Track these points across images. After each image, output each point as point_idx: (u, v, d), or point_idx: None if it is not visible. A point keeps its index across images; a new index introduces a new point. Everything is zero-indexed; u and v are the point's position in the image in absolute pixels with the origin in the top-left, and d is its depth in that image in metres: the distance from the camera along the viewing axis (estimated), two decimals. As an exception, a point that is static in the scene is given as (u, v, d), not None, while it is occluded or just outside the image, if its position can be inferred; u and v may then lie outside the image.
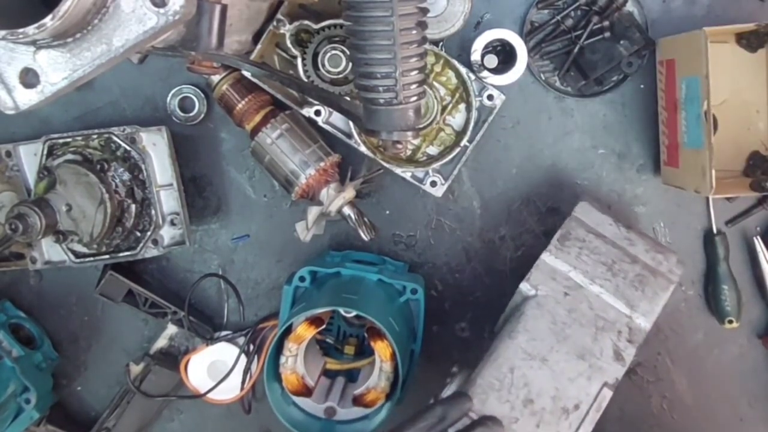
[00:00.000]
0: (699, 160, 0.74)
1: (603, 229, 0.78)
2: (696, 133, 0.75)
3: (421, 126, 0.79)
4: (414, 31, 0.61)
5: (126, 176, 0.81)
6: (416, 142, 0.83)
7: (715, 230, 0.87)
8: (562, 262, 0.74)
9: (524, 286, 0.72)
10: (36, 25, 0.46)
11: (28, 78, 0.50)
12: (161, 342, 0.92)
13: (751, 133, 0.83)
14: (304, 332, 0.76)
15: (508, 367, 0.68)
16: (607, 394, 0.68)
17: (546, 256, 0.75)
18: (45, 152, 0.80)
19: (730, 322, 0.87)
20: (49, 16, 0.46)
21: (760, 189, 0.77)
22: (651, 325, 0.73)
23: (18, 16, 0.47)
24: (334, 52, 0.75)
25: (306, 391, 0.78)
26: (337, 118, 0.80)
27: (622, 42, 0.82)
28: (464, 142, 0.80)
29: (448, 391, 0.70)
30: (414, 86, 0.62)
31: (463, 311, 0.91)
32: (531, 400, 0.66)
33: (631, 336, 0.72)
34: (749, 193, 0.78)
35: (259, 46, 0.77)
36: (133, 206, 0.81)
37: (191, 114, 0.87)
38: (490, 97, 0.79)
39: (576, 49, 0.83)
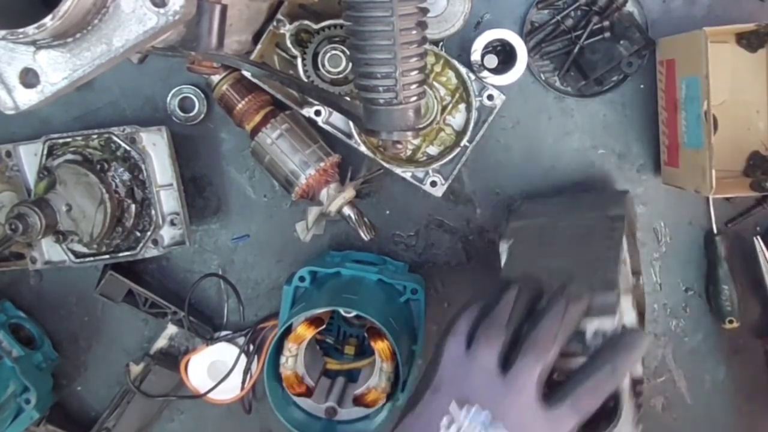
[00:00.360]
0: (699, 160, 0.74)
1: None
2: (696, 133, 0.75)
3: (421, 126, 0.79)
4: (414, 31, 0.61)
5: (126, 176, 0.81)
6: (416, 142, 0.83)
7: (715, 230, 0.87)
8: (522, 222, 0.76)
9: (503, 244, 0.72)
10: (36, 25, 0.46)
11: (28, 78, 0.50)
12: (161, 342, 0.92)
13: (751, 133, 0.83)
14: (304, 332, 0.76)
15: (531, 257, 0.67)
16: (620, 239, 0.67)
17: (512, 223, 0.76)
18: (45, 152, 0.80)
19: (731, 322, 0.87)
20: (49, 16, 0.46)
21: (760, 189, 0.77)
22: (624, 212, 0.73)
23: (18, 16, 0.47)
24: (334, 52, 0.75)
25: (306, 391, 0.78)
26: (337, 118, 0.80)
27: (622, 42, 0.82)
28: (464, 142, 0.80)
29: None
30: (414, 86, 0.62)
31: (463, 311, 0.91)
32: (564, 270, 0.63)
33: (616, 224, 0.71)
34: (749, 193, 0.78)
35: (259, 46, 0.77)
36: (133, 206, 0.81)
37: (191, 114, 0.87)
38: (490, 97, 0.79)
39: (576, 49, 0.83)
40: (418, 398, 0.54)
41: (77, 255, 0.83)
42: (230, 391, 0.90)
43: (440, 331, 0.89)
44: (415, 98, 0.63)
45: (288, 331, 0.76)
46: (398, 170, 0.81)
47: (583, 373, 0.52)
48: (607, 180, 0.88)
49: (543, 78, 0.86)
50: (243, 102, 0.80)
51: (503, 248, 0.72)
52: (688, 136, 0.77)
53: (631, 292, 0.60)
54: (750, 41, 0.80)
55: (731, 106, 0.81)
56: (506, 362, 0.53)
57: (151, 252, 0.82)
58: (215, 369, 0.90)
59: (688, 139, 0.77)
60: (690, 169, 0.77)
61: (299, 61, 0.76)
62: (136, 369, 0.90)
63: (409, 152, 0.83)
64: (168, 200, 0.82)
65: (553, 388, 0.53)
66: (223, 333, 0.91)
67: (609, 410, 0.57)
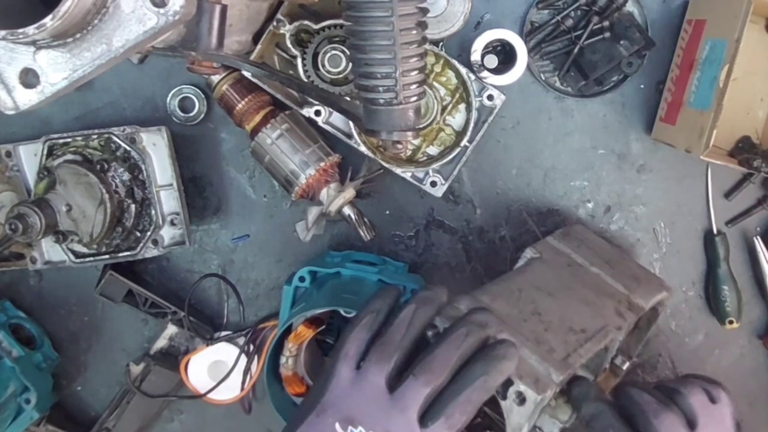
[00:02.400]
0: (700, 121, 0.74)
1: (600, 242, 0.83)
2: (706, 95, 0.75)
3: (421, 126, 0.79)
4: (414, 31, 0.61)
5: (126, 176, 0.81)
6: (416, 142, 0.83)
7: (715, 230, 0.87)
8: (564, 246, 0.76)
9: (529, 251, 0.73)
10: (36, 25, 0.46)
11: (28, 78, 0.50)
12: (161, 342, 0.92)
13: (749, 118, 0.83)
14: (304, 332, 0.76)
15: (516, 287, 0.66)
16: (612, 333, 0.66)
17: (550, 239, 0.76)
18: (45, 152, 0.80)
19: (731, 322, 0.87)
20: (49, 17, 0.46)
21: (748, 165, 0.76)
22: (648, 308, 0.73)
23: (18, 16, 0.47)
24: (334, 52, 0.75)
25: (306, 391, 0.78)
26: (337, 118, 0.80)
27: (622, 42, 0.82)
28: (464, 142, 0.80)
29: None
30: (414, 86, 0.62)
31: (463, 311, 0.91)
32: (539, 313, 0.64)
33: (631, 307, 0.72)
34: (736, 165, 0.77)
35: (259, 46, 0.77)
36: (133, 206, 0.81)
37: (191, 114, 0.87)
38: (490, 97, 0.79)
39: (576, 49, 0.83)
40: (300, 421, 0.54)
41: (77, 255, 0.83)
42: (230, 391, 0.90)
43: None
44: (415, 98, 0.63)
45: (288, 331, 0.76)
46: (398, 170, 0.81)
47: (455, 388, 0.53)
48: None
49: (543, 78, 0.86)
50: (243, 102, 0.80)
51: (527, 254, 0.72)
52: (696, 96, 0.77)
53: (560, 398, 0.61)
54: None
55: (739, 86, 0.81)
56: (395, 382, 0.54)
57: (151, 252, 0.82)
58: (215, 369, 0.90)
59: (694, 99, 0.77)
60: (688, 128, 0.77)
61: (299, 61, 0.76)
62: (136, 369, 0.90)
63: (409, 152, 0.83)
64: (168, 200, 0.82)
65: (429, 406, 0.53)
66: (223, 333, 0.91)
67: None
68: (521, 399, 0.56)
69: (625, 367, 0.78)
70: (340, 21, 0.75)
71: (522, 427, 0.56)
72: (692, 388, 0.61)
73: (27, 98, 0.51)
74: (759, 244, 0.87)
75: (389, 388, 0.53)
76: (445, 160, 0.80)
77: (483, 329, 0.55)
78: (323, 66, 0.76)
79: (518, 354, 0.55)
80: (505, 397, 0.56)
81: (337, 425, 0.52)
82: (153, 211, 0.82)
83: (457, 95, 0.81)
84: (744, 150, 0.79)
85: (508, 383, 0.56)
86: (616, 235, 0.89)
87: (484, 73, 0.81)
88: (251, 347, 0.90)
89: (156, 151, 0.81)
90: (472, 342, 0.54)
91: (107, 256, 0.83)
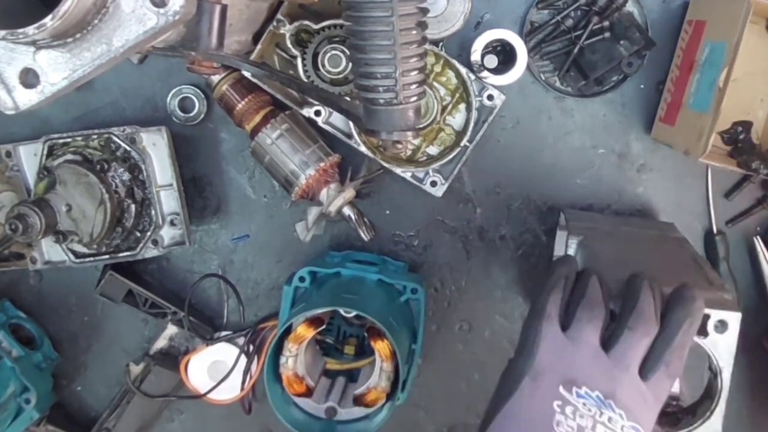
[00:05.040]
0: (699, 123, 0.74)
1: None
2: (705, 97, 0.75)
3: (421, 126, 0.79)
4: (414, 31, 0.61)
5: (126, 176, 0.81)
6: (416, 142, 0.82)
7: (715, 230, 0.87)
8: (584, 223, 0.77)
9: (573, 238, 0.73)
10: (36, 25, 0.46)
11: (28, 78, 0.50)
12: (161, 342, 0.92)
13: (749, 119, 0.83)
14: (304, 332, 0.76)
15: (613, 262, 0.67)
16: (695, 251, 0.70)
17: (572, 223, 0.77)
18: (45, 152, 0.80)
19: (731, 322, 0.87)
20: (49, 17, 0.46)
21: (746, 167, 0.76)
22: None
23: (18, 16, 0.47)
24: (334, 52, 0.75)
25: (306, 392, 0.78)
26: (337, 118, 0.80)
27: (622, 42, 0.82)
28: (464, 142, 0.80)
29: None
30: (414, 86, 0.62)
31: (462, 311, 0.91)
32: (652, 266, 0.65)
33: (683, 243, 0.74)
34: (734, 166, 0.78)
35: (259, 46, 0.77)
36: (133, 206, 0.81)
37: (191, 114, 0.87)
38: (490, 97, 0.79)
39: (576, 49, 0.83)
40: (514, 387, 0.53)
41: (77, 255, 0.83)
42: (230, 391, 0.90)
43: (440, 330, 0.90)
44: (415, 98, 0.63)
45: (288, 331, 0.76)
46: (398, 170, 0.81)
47: (667, 336, 0.53)
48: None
49: (543, 78, 0.86)
50: (243, 102, 0.80)
51: (572, 242, 0.73)
52: (695, 98, 0.77)
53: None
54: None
55: (739, 87, 0.81)
56: (606, 341, 0.54)
57: (151, 252, 0.82)
58: (215, 369, 0.90)
59: (694, 101, 0.77)
60: (687, 129, 0.77)
61: (299, 61, 0.76)
62: (136, 369, 0.90)
63: (409, 152, 0.83)
64: (168, 200, 0.82)
65: (645, 360, 0.54)
66: (223, 333, 0.91)
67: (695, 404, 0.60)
68: (723, 326, 0.57)
69: None
70: (340, 21, 0.75)
71: (733, 353, 0.58)
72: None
73: (27, 98, 0.51)
74: (759, 244, 0.87)
75: (604, 347, 0.53)
76: (445, 160, 0.80)
77: (656, 279, 0.56)
78: (323, 66, 0.76)
79: (698, 293, 0.55)
80: (706, 334, 0.57)
81: (561, 387, 0.51)
82: (153, 211, 0.82)
83: (457, 95, 0.81)
84: (743, 150, 0.79)
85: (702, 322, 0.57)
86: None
87: (484, 73, 0.81)
88: (251, 347, 0.90)
89: (156, 151, 0.81)
90: (660, 290, 0.55)
91: (107, 256, 0.83)
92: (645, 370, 0.53)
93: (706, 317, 0.58)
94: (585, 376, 0.52)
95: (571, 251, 0.73)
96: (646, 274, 0.57)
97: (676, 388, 0.61)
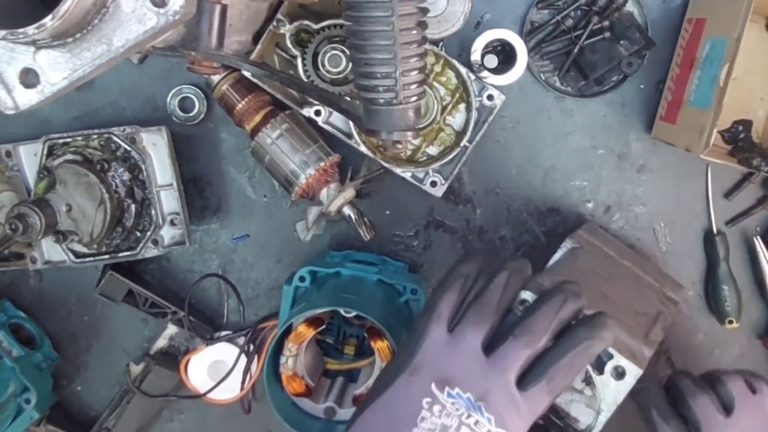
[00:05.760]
0: (700, 120, 0.75)
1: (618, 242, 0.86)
2: (706, 94, 0.75)
3: (421, 126, 0.79)
4: (414, 31, 0.61)
5: (126, 176, 0.81)
6: (416, 142, 0.83)
7: (715, 230, 0.87)
8: (595, 239, 0.77)
9: (569, 241, 0.73)
10: (36, 25, 0.46)
11: (28, 78, 0.50)
12: (161, 342, 0.92)
13: (749, 118, 0.83)
14: (304, 332, 0.76)
15: (578, 272, 0.66)
16: (668, 319, 0.67)
17: (581, 232, 0.77)
18: (45, 152, 0.80)
19: (731, 322, 0.87)
20: (49, 16, 0.46)
21: (747, 164, 0.76)
22: (679, 301, 0.76)
23: (18, 16, 0.47)
24: (334, 52, 0.75)
25: (306, 392, 0.78)
26: (337, 118, 0.80)
27: (622, 42, 0.82)
28: (464, 142, 0.80)
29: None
30: (414, 86, 0.62)
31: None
32: (606, 296, 0.64)
33: (668, 299, 0.74)
34: (735, 164, 0.78)
35: (259, 46, 0.77)
36: (133, 206, 0.81)
37: (191, 114, 0.87)
38: (490, 97, 0.79)
39: (576, 49, 0.83)
40: (391, 380, 0.53)
41: (77, 255, 0.83)
42: (230, 391, 0.90)
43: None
44: (415, 98, 0.63)
45: (288, 331, 0.76)
46: (398, 170, 0.81)
47: (557, 352, 0.52)
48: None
49: (543, 78, 0.86)
50: (243, 102, 0.80)
51: (566, 244, 0.73)
52: (696, 95, 0.77)
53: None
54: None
55: (739, 86, 0.81)
56: (490, 345, 0.53)
57: (151, 252, 0.82)
58: (215, 369, 0.90)
59: (695, 98, 0.77)
60: (688, 127, 0.78)
61: (299, 61, 0.76)
62: (136, 369, 0.90)
63: (409, 152, 0.83)
64: (168, 200, 0.82)
65: (527, 369, 0.53)
66: (223, 333, 0.91)
67: None
68: (620, 373, 0.56)
69: None
70: (340, 21, 0.75)
71: (617, 403, 0.56)
72: (733, 376, 0.64)
73: (27, 98, 0.51)
74: (759, 244, 0.87)
75: (485, 351, 0.52)
76: (445, 160, 0.80)
77: (578, 298, 0.55)
78: (323, 66, 0.76)
79: (615, 326, 0.54)
80: (602, 372, 0.56)
81: (433, 385, 0.51)
82: (153, 211, 0.82)
83: (457, 95, 0.81)
84: (744, 149, 0.79)
85: (602, 358, 0.56)
86: (616, 234, 0.89)
87: (484, 73, 0.81)
88: (251, 347, 0.90)
89: (156, 151, 0.81)
90: (571, 308, 0.54)
91: (107, 256, 0.83)
92: (525, 380, 0.52)
93: (608, 356, 0.56)
94: (460, 377, 0.51)
95: (559, 252, 0.74)
96: (570, 287, 0.55)
97: (580, 413, 0.59)
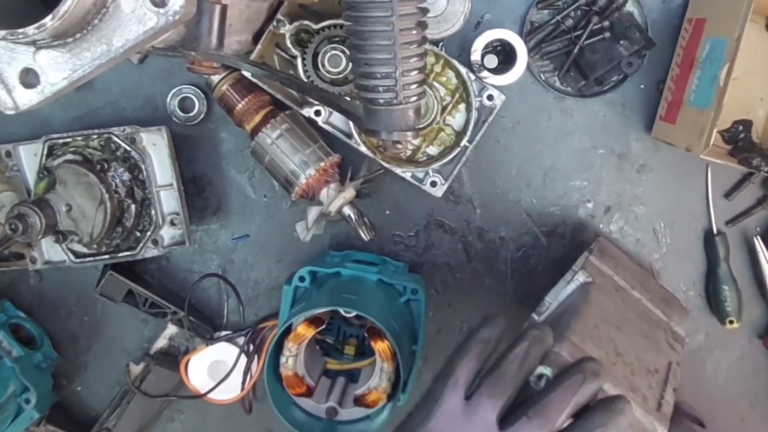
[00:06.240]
0: (700, 120, 0.75)
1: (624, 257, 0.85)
2: (706, 93, 0.75)
3: (421, 126, 0.79)
4: (414, 31, 0.61)
5: (126, 176, 0.81)
6: (416, 142, 0.82)
7: (715, 230, 0.87)
8: (605, 266, 0.76)
9: (582, 275, 0.72)
10: (36, 25, 0.46)
11: (28, 78, 0.50)
12: (161, 342, 0.92)
13: (749, 117, 0.83)
14: (304, 332, 0.76)
15: (593, 323, 0.65)
16: (677, 370, 0.67)
17: (592, 259, 0.76)
18: (45, 152, 0.80)
19: (731, 322, 0.87)
20: (49, 17, 0.46)
21: (747, 164, 0.76)
22: (684, 336, 0.75)
23: (18, 16, 0.47)
24: (334, 52, 0.75)
25: (307, 392, 0.78)
26: (337, 118, 0.80)
27: (622, 42, 0.82)
28: (464, 142, 0.80)
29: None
30: (414, 86, 0.62)
31: (463, 311, 0.91)
32: (620, 354, 0.64)
33: (676, 337, 0.73)
34: (735, 163, 0.78)
35: (259, 46, 0.77)
36: (133, 206, 0.81)
37: (191, 114, 0.87)
38: (490, 97, 0.79)
39: (576, 49, 0.83)
40: None
41: (77, 255, 0.83)
42: (230, 391, 0.90)
43: (441, 331, 0.90)
44: (415, 98, 0.63)
45: (288, 331, 0.76)
46: (398, 170, 0.81)
47: None
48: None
49: (543, 78, 0.86)
50: (243, 102, 0.80)
51: (578, 278, 0.72)
52: (696, 95, 0.77)
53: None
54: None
55: (738, 86, 0.81)
56: (506, 420, 0.53)
57: (151, 252, 0.82)
58: (215, 369, 0.90)
59: (695, 98, 0.77)
60: (688, 127, 0.78)
61: (299, 61, 0.76)
62: (136, 369, 0.90)
63: (409, 152, 0.83)
64: (168, 200, 0.82)
65: None
66: (223, 333, 0.91)
67: None
68: None
69: None
70: (340, 21, 0.75)
71: None
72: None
73: (27, 98, 0.51)
74: (759, 244, 0.87)
75: (499, 425, 0.52)
76: (445, 160, 0.80)
77: (597, 379, 0.54)
78: (323, 66, 0.76)
79: (632, 410, 0.53)
80: None
81: None
82: (153, 211, 0.82)
83: (457, 95, 0.81)
84: (744, 149, 0.79)
85: None
86: (616, 235, 0.89)
87: (484, 73, 0.81)
88: (251, 347, 0.90)
89: (156, 151, 0.81)
90: (588, 391, 0.53)
91: (107, 256, 0.83)
92: None
93: None
94: None
95: (572, 285, 0.73)
96: (590, 367, 0.54)
97: None
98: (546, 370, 0.55)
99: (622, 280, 0.77)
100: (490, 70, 0.81)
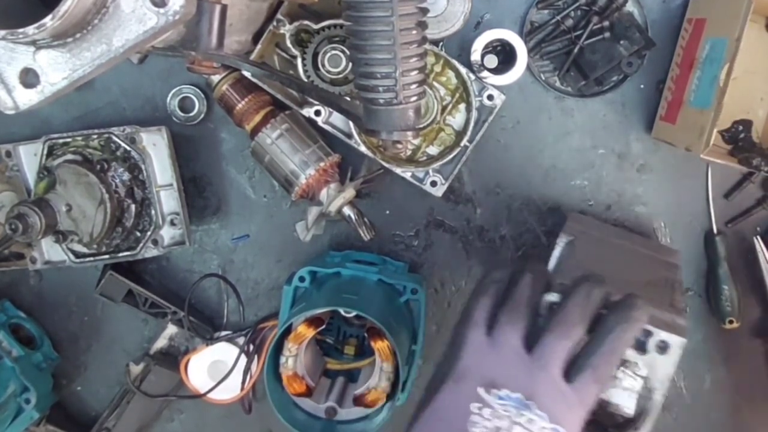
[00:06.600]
0: (700, 120, 0.74)
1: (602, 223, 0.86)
2: (706, 93, 0.75)
3: (421, 126, 0.79)
4: (414, 31, 0.61)
5: (126, 176, 0.81)
6: (416, 142, 0.82)
7: (715, 230, 0.87)
8: (584, 227, 0.77)
9: (564, 236, 0.74)
10: (36, 25, 0.46)
11: (28, 78, 0.50)
12: (161, 342, 0.92)
13: (749, 117, 0.83)
14: (304, 332, 0.76)
15: (584, 264, 0.67)
16: (679, 281, 0.68)
17: (570, 223, 0.77)
18: (45, 152, 0.80)
19: (731, 322, 0.87)
20: (49, 16, 0.46)
21: (747, 164, 0.76)
22: (679, 264, 0.76)
23: (18, 16, 0.47)
24: (334, 52, 0.75)
25: (306, 391, 0.78)
26: (337, 118, 0.80)
27: (622, 42, 0.82)
28: (464, 142, 0.80)
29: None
30: (414, 86, 0.62)
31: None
32: (617, 278, 0.65)
33: (671, 268, 0.73)
34: (736, 163, 0.77)
35: (259, 46, 0.77)
36: (133, 206, 0.81)
37: (191, 114, 0.87)
38: (490, 97, 0.79)
39: (576, 49, 0.83)
40: (437, 390, 0.53)
41: (77, 255, 0.83)
42: (230, 391, 0.90)
43: (440, 331, 0.90)
44: (415, 98, 0.63)
45: (288, 331, 0.76)
46: (398, 170, 0.81)
47: (597, 340, 0.53)
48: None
49: (543, 78, 0.86)
50: (243, 102, 0.80)
51: (561, 240, 0.73)
52: (696, 95, 0.77)
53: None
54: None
55: (738, 86, 0.81)
56: (531, 342, 0.53)
57: (151, 252, 0.82)
58: (215, 369, 0.90)
59: (695, 98, 0.77)
60: (688, 127, 0.78)
61: (299, 61, 0.76)
62: (136, 369, 0.90)
63: (409, 152, 0.83)
64: (168, 200, 0.82)
65: (571, 362, 0.53)
66: (223, 333, 0.91)
67: (629, 420, 0.58)
68: (663, 347, 0.56)
69: None
70: (340, 21, 0.75)
71: (669, 377, 0.56)
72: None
73: (27, 98, 0.51)
74: (759, 244, 0.87)
75: (527, 348, 0.53)
76: (445, 160, 0.80)
77: (603, 285, 0.55)
78: (323, 66, 0.76)
79: (645, 305, 0.54)
80: (645, 351, 0.56)
81: (480, 390, 0.51)
82: (153, 211, 0.82)
83: (457, 95, 0.81)
84: (744, 149, 0.79)
85: (640, 338, 0.56)
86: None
87: (484, 73, 0.81)
88: (251, 347, 0.90)
89: (156, 151, 0.81)
90: (598, 295, 0.54)
91: (107, 256, 0.83)
92: (571, 372, 0.52)
93: (648, 334, 0.56)
94: (505, 377, 0.52)
95: (558, 249, 0.74)
96: (592, 277, 0.56)
97: (622, 398, 0.58)
98: (553, 297, 0.56)
99: (601, 234, 0.79)
100: (490, 70, 0.81)
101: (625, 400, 0.58)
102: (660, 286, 0.67)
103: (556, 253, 0.74)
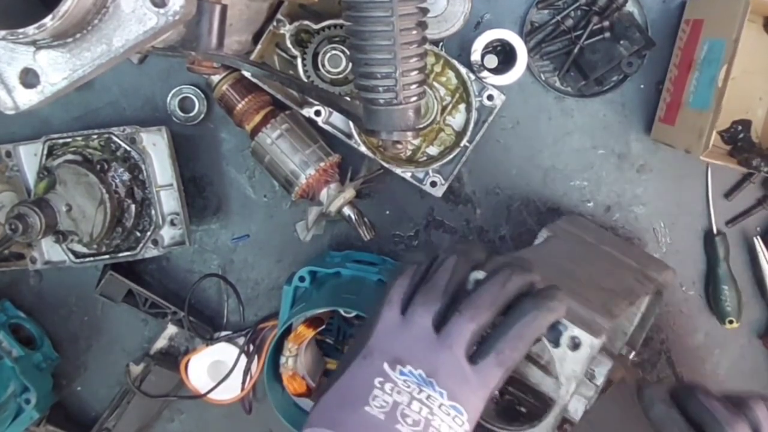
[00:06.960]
0: (699, 121, 0.74)
1: (602, 230, 0.85)
2: (705, 95, 0.75)
3: (421, 126, 0.79)
4: (414, 31, 0.61)
5: (126, 176, 0.81)
6: (416, 142, 0.83)
7: (715, 230, 0.87)
8: (574, 228, 0.77)
9: (545, 231, 0.74)
10: (36, 25, 0.46)
11: (28, 78, 0.50)
12: (161, 342, 0.92)
13: (748, 117, 0.83)
14: (304, 332, 0.76)
15: (545, 255, 0.66)
16: (640, 296, 0.67)
17: (560, 222, 0.77)
18: (45, 152, 0.80)
19: (731, 322, 0.87)
20: (49, 17, 0.46)
21: (747, 165, 0.76)
22: (661, 281, 0.75)
23: (18, 16, 0.47)
24: (334, 52, 0.75)
25: (307, 392, 0.78)
26: (337, 118, 0.80)
27: (622, 42, 0.82)
28: (464, 142, 0.80)
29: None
30: (414, 86, 0.62)
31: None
32: (569, 274, 0.64)
33: (647, 278, 0.73)
34: (735, 165, 0.78)
35: (259, 46, 0.77)
36: (133, 206, 0.81)
37: (191, 114, 0.87)
38: (490, 98, 0.79)
39: (576, 49, 0.83)
40: (347, 364, 0.54)
41: (77, 255, 0.83)
42: (230, 391, 0.90)
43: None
44: (415, 98, 0.63)
45: (288, 331, 0.76)
46: (398, 170, 0.81)
47: (505, 324, 0.53)
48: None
49: (543, 78, 0.86)
50: (243, 102, 0.80)
51: (542, 234, 0.73)
52: (694, 96, 0.77)
53: (609, 355, 0.61)
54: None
55: (737, 86, 0.81)
56: (442, 323, 0.54)
57: (151, 252, 0.82)
58: (215, 369, 0.90)
59: (693, 100, 0.77)
60: (687, 128, 0.77)
61: (299, 61, 0.76)
62: (136, 369, 0.90)
63: (409, 152, 0.83)
64: (168, 200, 0.83)
65: (479, 344, 0.54)
66: (223, 333, 0.91)
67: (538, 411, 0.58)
68: (575, 344, 0.56)
69: (631, 356, 0.80)
70: (340, 21, 0.75)
71: (576, 375, 0.56)
72: (757, 400, 0.60)
73: (27, 98, 0.51)
74: (759, 244, 0.87)
75: (436, 329, 0.53)
76: (445, 160, 0.80)
77: (526, 272, 0.55)
78: (323, 66, 0.76)
79: (566, 298, 0.54)
80: (557, 345, 0.56)
81: (386, 365, 0.52)
82: (153, 211, 0.82)
83: (457, 95, 0.81)
84: (743, 149, 0.79)
85: (558, 331, 0.56)
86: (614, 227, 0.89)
87: (484, 73, 0.81)
88: (251, 347, 0.90)
89: (156, 151, 0.81)
90: (517, 281, 0.54)
91: (107, 256, 0.83)
92: (476, 354, 0.53)
93: (562, 327, 0.56)
94: (411, 355, 0.52)
95: (538, 240, 0.75)
96: (515, 263, 0.55)
97: (537, 377, 0.58)
98: (479, 275, 0.56)
99: (590, 238, 0.78)
100: (490, 70, 0.81)
101: (539, 379, 0.58)
102: (612, 293, 0.66)
103: (537, 243, 0.75)
